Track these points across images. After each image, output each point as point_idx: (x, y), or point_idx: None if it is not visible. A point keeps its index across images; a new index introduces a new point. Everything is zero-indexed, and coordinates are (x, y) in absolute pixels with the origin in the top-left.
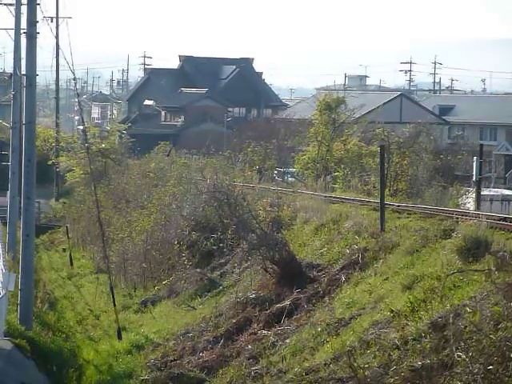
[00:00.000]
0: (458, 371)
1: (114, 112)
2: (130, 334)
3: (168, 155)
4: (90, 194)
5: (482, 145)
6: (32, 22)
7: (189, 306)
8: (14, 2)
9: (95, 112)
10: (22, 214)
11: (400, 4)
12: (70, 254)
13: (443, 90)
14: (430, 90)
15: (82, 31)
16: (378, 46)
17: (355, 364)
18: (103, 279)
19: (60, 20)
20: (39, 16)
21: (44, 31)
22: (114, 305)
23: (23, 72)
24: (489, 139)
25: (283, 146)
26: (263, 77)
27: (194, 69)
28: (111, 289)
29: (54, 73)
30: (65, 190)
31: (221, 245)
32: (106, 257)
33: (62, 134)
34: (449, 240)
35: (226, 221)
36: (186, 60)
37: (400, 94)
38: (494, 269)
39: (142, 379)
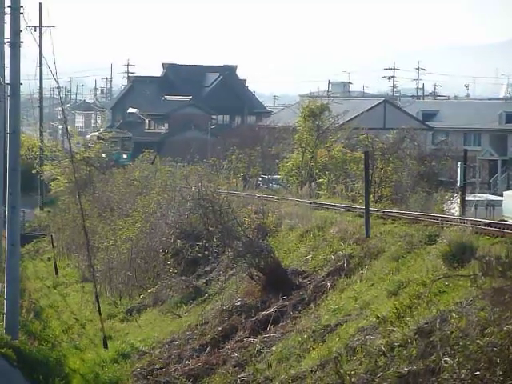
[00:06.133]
0: (445, 377)
1: (98, 120)
2: (116, 343)
3: (152, 163)
4: (74, 203)
5: (465, 150)
6: (16, 31)
7: (174, 314)
8: None
9: (79, 120)
10: (7, 224)
11: (384, 10)
12: (55, 263)
13: (426, 95)
14: (413, 96)
15: (65, 40)
16: (362, 52)
17: (342, 371)
18: (88, 288)
19: (43, 29)
20: (23, 25)
21: (27, 40)
22: (100, 313)
23: (7, 81)
24: (473, 144)
25: (267, 152)
26: (247, 84)
27: (178, 76)
28: (96, 297)
29: (38, 82)
30: (49, 199)
31: (206, 252)
32: (91, 265)
33: (46, 143)
34: (434, 246)
35: (211, 228)
36: (169, 68)
37: (383, 100)
38: (479, 274)
39: None
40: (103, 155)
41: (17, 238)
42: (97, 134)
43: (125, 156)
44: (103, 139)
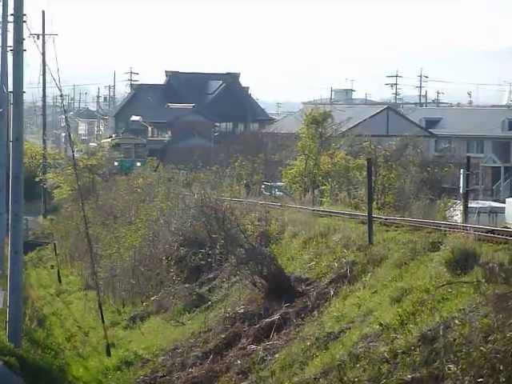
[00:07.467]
0: None
1: (101, 128)
2: (119, 351)
3: (155, 170)
4: (77, 211)
5: (468, 157)
6: (19, 39)
7: (177, 321)
8: (0, 19)
9: (82, 128)
10: (10, 231)
11: (387, 16)
12: (58, 271)
13: (429, 102)
14: (416, 103)
15: (68, 48)
16: (363, 53)
17: (345, 378)
18: (92, 296)
19: (46, 37)
20: (26, 33)
21: (30, 48)
22: (103, 321)
23: (10, 89)
24: (475, 151)
25: (270, 160)
26: (250, 91)
27: (181, 84)
28: (100, 305)
29: (41, 89)
30: (52, 207)
31: (209, 260)
32: (94, 273)
33: (49, 151)
34: (437, 252)
35: (214, 235)
36: (172, 75)
37: (386, 108)
38: (482, 281)
39: None
40: (115, 163)
41: (20, 245)
42: (109, 140)
43: (139, 164)
44: (113, 145)
